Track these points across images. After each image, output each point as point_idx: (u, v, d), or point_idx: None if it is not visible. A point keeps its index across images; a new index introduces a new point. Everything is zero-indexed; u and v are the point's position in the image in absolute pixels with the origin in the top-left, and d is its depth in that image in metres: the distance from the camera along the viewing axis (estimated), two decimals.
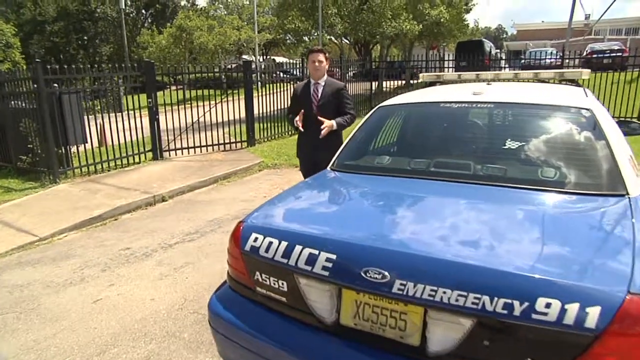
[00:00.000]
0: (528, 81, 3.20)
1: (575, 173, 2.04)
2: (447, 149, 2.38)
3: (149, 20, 36.63)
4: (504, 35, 72.70)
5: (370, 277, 1.48)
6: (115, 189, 6.10)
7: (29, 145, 6.65)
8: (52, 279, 3.64)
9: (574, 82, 3.06)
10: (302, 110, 3.62)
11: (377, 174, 2.36)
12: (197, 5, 36.64)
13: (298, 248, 1.64)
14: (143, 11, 37.38)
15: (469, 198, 2.00)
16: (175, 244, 4.33)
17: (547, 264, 1.39)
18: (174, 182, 6.32)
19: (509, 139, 2.29)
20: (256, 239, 1.78)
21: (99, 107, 7.78)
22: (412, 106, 2.87)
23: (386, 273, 1.46)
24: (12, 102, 6.88)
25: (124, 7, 26.83)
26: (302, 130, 3.57)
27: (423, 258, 1.47)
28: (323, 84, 3.65)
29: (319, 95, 3.62)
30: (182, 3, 37.00)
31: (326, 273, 1.56)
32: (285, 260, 1.66)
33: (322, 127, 3.40)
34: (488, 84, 2.93)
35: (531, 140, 2.26)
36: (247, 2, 33.95)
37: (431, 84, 3.51)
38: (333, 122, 3.48)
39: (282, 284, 1.71)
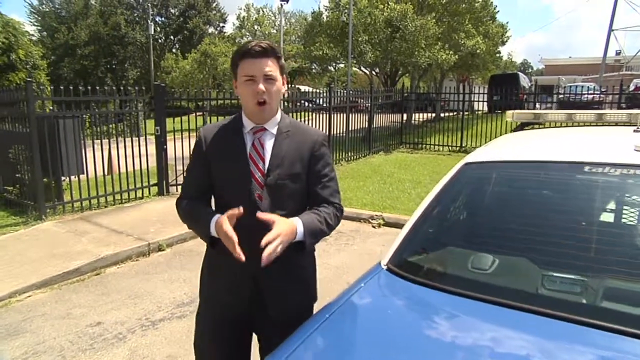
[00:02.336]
0: None
1: None
2: (617, 260, 1.28)
3: (177, 46, 37.13)
4: (530, 70, 71.93)
5: None
6: (107, 231, 5.16)
7: (16, 175, 5.85)
8: None
9: None
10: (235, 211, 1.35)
11: (479, 296, 1.23)
12: (224, 32, 37.06)
13: None
14: (171, 37, 38.01)
15: None
16: (161, 320, 3.29)
17: None
18: (175, 227, 5.34)
19: None
20: None
21: (114, 132, 7.09)
22: (527, 167, 1.64)
23: None
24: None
25: (152, 32, 27.14)
26: (242, 259, 1.31)
27: None
28: (274, 131, 1.51)
29: (268, 156, 1.48)
30: (210, 30, 37.47)
31: None
32: None
33: (265, 241, 1.26)
34: (637, 130, 1.85)
35: None
36: (275, 31, 34.03)
37: (523, 125, 2.46)
38: (296, 224, 1.38)
39: None
